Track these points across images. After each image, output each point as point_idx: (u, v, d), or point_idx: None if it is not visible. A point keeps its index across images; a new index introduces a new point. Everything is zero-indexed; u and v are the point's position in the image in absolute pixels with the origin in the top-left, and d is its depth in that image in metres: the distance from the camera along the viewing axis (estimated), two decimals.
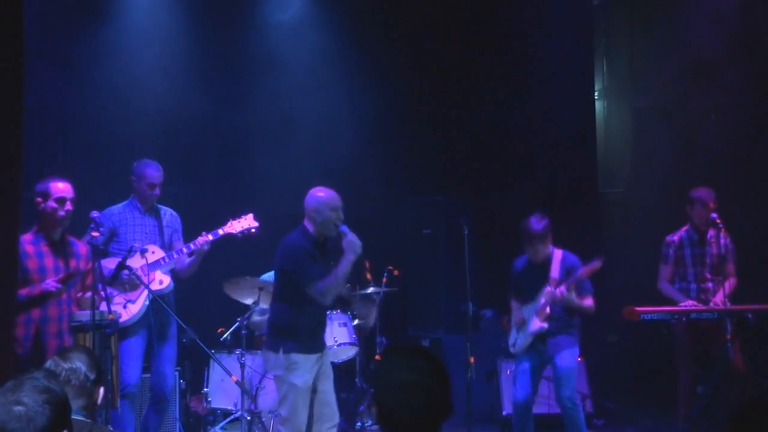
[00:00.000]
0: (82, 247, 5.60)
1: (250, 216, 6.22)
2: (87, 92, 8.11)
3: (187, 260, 6.03)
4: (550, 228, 6.20)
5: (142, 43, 8.43)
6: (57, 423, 2.53)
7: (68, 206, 5.44)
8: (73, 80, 7.96)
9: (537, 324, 6.11)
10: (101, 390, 3.49)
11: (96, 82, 8.17)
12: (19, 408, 2.48)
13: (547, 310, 6.09)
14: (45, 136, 7.78)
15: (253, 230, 6.19)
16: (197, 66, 8.66)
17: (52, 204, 5.41)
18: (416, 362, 2.40)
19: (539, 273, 6.18)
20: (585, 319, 6.48)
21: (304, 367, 5.27)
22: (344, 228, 5.30)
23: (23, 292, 5.26)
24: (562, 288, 6.03)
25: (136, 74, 8.35)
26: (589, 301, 6.15)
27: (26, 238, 5.42)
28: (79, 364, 3.39)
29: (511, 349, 6.36)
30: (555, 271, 6.12)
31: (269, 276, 7.94)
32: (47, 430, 2.50)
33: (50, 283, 5.35)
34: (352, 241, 5.24)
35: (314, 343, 5.42)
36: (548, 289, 6.08)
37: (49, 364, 3.41)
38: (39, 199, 5.43)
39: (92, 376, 3.41)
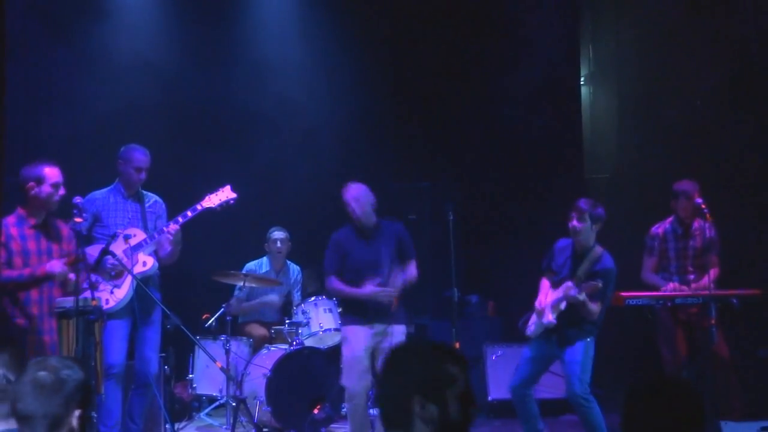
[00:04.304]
0: (65, 229, 5.56)
1: (227, 188, 6.11)
2: (73, 75, 8.06)
3: (168, 247, 5.97)
4: (601, 219, 5.90)
5: (134, 30, 8.43)
6: (72, 399, 2.67)
7: (61, 191, 5.43)
8: (60, 62, 7.90)
9: (548, 317, 5.88)
10: None
11: (83, 68, 8.14)
12: (43, 374, 2.66)
13: (562, 306, 5.83)
14: (29, 120, 7.71)
15: (232, 202, 6.10)
16: (188, 52, 8.67)
17: (47, 189, 5.38)
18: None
19: (572, 261, 5.94)
20: None
21: None
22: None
23: (25, 272, 5.27)
24: (575, 290, 5.75)
25: (128, 61, 8.33)
26: (594, 306, 5.78)
27: (9, 221, 5.38)
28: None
29: (527, 332, 6.06)
30: (585, 267, 5.85)
31: (255, 264, 7.93)
32: (66, 400, 2.64)
33: (56, 265, 5.30)
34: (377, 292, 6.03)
35: None
36: (569, 283, 5.83)
37: None
38: (32, 184, 5.38)
39: (12, 378, 3.10)
